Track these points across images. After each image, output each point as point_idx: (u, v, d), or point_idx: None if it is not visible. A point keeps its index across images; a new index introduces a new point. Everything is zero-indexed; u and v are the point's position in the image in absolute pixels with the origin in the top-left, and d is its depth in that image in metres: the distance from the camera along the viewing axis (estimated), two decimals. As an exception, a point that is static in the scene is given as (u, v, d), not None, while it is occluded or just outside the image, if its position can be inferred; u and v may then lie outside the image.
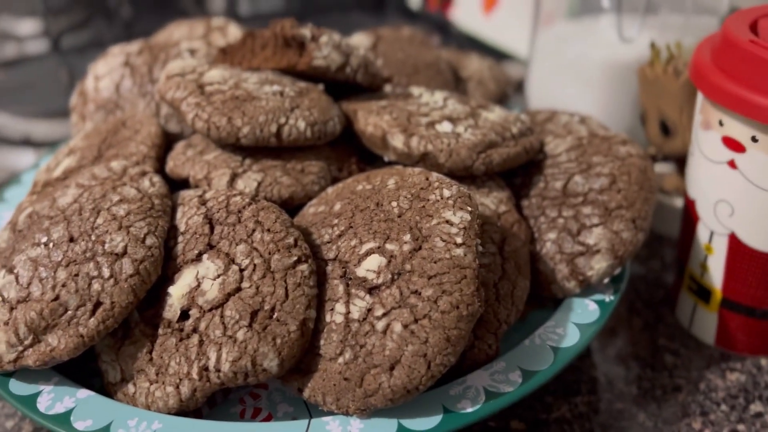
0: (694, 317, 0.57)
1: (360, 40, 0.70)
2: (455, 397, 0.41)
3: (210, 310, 0.42)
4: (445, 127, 0.51)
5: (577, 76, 0.77)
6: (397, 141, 0.50)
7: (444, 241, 0.42)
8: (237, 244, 0.43)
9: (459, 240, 0.41)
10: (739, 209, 0.49)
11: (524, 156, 0.52)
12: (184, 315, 0.42)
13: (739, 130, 0.47)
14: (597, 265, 0.48)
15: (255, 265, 0.42)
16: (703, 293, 0.55)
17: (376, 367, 0.39)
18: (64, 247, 0.43)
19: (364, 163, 0.54)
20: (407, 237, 0.42)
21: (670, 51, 0.64)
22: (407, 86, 0.64)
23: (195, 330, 0.41)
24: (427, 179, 0.46)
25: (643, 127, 0.66)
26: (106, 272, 0.42)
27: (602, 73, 0.74)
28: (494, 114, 0.55)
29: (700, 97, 0.51)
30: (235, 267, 0.42)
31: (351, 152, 0.55)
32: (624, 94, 0.74)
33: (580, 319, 0.47)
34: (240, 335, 0.40)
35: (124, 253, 0.42)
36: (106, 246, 0.42)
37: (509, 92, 0.72)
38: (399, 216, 0.44)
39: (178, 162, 0.52)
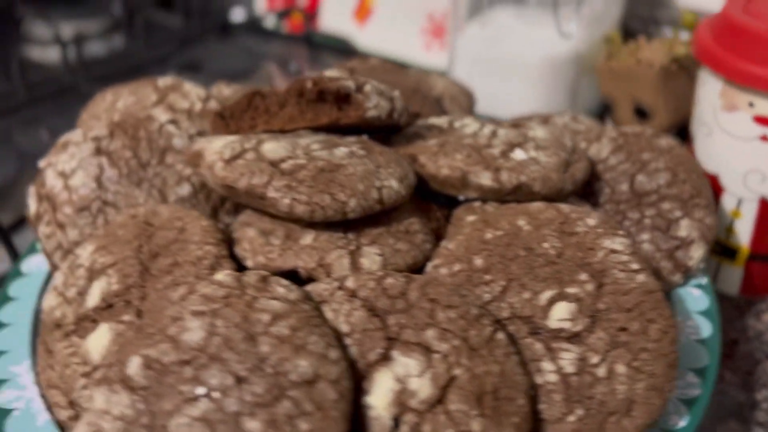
0: (719, 274, 0.63)
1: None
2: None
3: (428, 409, 0.38)
4: (519, 154, 0.51)
5: (514, 74, 0.80)
6: (484, 178, 0.49)
7: (622, 270, 0.42)
8: (423, 330, 0.39)
9: (635, 266, 0.42)
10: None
11: (590, 167, 0.53)
12: (396, 424, 0.38)
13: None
14: (695, 254, 0.51)
15: (455, 347, 0.39)
16: (729, 252, 0.62)
17: (614, 414, 0.39)
18: (236, 391, 0.36)
19: (440, 206, 0.52)
20: (583, 276, 0.42)
21: (616, 42, 0.69)
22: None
23: (421, 437, 0.37)
24: (560, 212, 0.45)
25: (609, 114, 0.72)
26: (308, 407, 0.36)
27: (542, 69, 0.78)
28: (539, 131, 0.55)
29: (714, 84, 0.56)
30: (436, 356, 0.39)
31: (421, 199, 0.52)
32: (562, 87, 0.78)
33: (697, 306, 0.50)
34: (476, 426, 0.37)
35: (317, 376, 0.37)
36: (292, 376, 0.36)
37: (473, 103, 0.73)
38: (558, 256, 0.43)
39: (271, 254, 0.45)
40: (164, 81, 0.63)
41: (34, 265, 0.56)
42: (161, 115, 0.56)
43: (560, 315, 0.41)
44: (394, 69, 0.69)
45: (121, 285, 0.46)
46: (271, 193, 0.44)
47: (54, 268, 0.53)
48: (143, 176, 0.53)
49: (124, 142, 0.54)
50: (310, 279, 0.45)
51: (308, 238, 0.46)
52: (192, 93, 0.62)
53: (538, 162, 0.50)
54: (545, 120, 0.62)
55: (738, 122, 0.55)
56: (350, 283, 0.42)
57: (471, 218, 0.48)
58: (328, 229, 0.46)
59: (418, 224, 0.48)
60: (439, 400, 0.38)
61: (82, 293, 0.47)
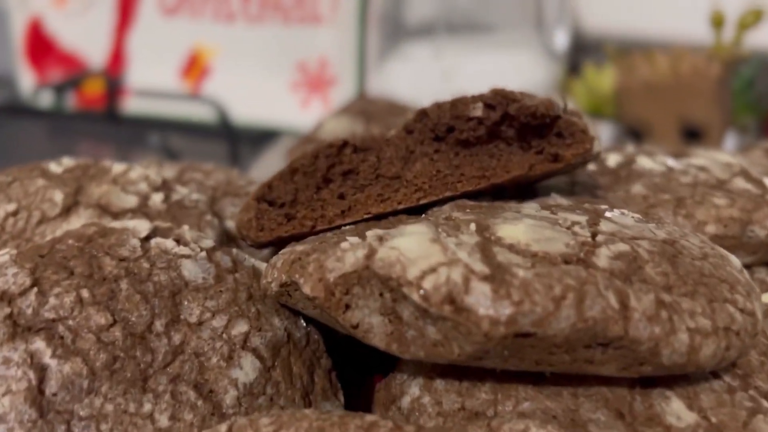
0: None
1: (344, 123, 0.42)
2: None
3: None
4: (743, 184, 0.34)
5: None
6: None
7: None
8: None
9: None
10: None
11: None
12: None
13: None
14: None
15: None
16: None
17: None
18: None
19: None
20: None
21: (628, 57, 0.57)
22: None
23: None
24: None
25: (639, 142, 0.58)
26: None
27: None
28: (701, 158, 0.39)
29: None
30: None
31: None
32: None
33: None
34: None
35: None
36: None
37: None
38: None
39: None
40: (59, 165, 0.33)
41: None
42: (137, 226, 0.27)
43: None
44: (393, 108, 0.46)
45: None
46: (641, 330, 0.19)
47: None
48: (147, 366, 0.24)
49: (79, 295, 0.24)
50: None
51: None
52: (132, 176, 0.33)
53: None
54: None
55: None
56: None
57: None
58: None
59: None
60: None
61: None
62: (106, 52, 0.87)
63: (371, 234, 0.23)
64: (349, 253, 0.22)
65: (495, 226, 0.23)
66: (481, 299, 0.19)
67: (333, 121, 0.43)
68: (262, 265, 0.29)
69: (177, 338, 0.25)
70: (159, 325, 0.25)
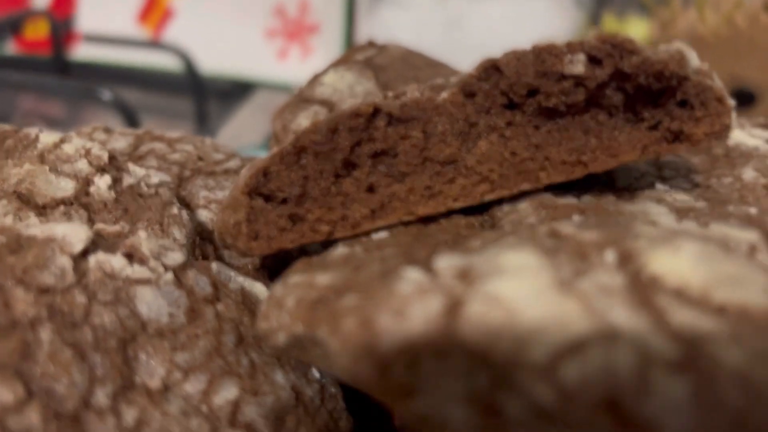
0: None
1: (348, 79, 0.33)
2: None
3: None
4: None
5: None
6: None
7: None
8: None
9: None
10: None
11: None
12: None
13: None
14: None
15: None
16: None
17: None
18: None
19: None
20: None
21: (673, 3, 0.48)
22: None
23: None
24: None
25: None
26: None
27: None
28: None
29: None
30: None
31: None
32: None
33: None
34: None
35: None
36: None
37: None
38: None
39: None
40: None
41: None
42: (68, 234, 0.18)
43: None
44: (431, 63, 0.37)
45: None
46: None
47: None
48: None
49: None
50: None
51: None
52: (67, 150, 0.23)
53: None
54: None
55: None
56: None
57: None
58: None
59: None
60: None
61: None
62: (51, -11, 0.75)
63: (444, 265, 0.14)
64: (415, 301, 0.13)
65: (643, 254, 0.14)
66: (673, 413, 0.11)
67: (333, 74, 0.34)
68: (256, 287, 0.21)
69: (131, 416, 0.16)
70: (102, 397, 0.16)
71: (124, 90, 0.69)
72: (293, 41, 0.70)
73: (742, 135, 0.30)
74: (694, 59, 0.21)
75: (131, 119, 0.54)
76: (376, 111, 0.20)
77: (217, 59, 0.69)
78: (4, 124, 0.26)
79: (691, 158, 0.29)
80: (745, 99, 0.49)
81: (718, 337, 0.12)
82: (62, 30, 0.73)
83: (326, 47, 0.68)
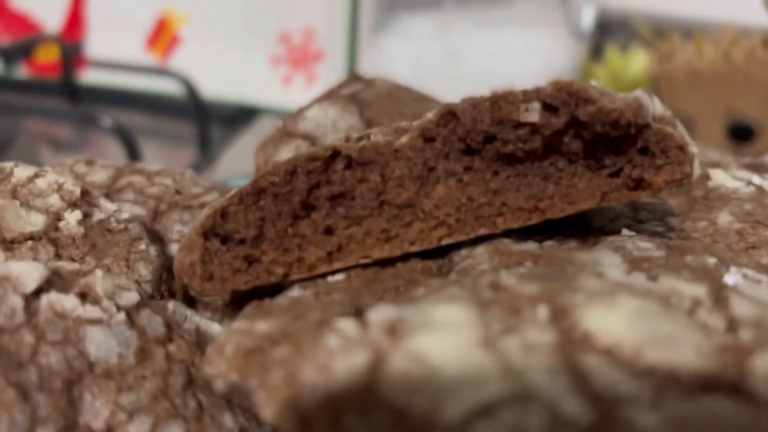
0: None
1: (332, 114, 0.33)
2: None
3: None
4: None
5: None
6: None
7: None
8: None
9: None
10: None
11: None
12: None
13: None
14: None
15: None
16: None
17: None
18: None
19: None
20: None
21: (672, 39, 0.48)
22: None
23: None
24: None
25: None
26: None
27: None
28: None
29: None
30: None
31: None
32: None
33: None
34: None
35: None
36: None
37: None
38: None
39: None
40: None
41: None
42: (22, 272, 0.18)
43: None
44: (418, 98, 0.37)
45: None
46: None
47: None
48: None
49: None
50: None
51: None
52: (39, 185, 0.24)
53: None
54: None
55: None
56: None
57: None
58: None
59: None
60: None
61: None
62: (62, 15, 0.76)
63: (377, 317, 0.14)
64: (339, 356, 0.13)
65: (577, 310, 0.14)
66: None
67: (317, 108, 0.34)
68: (212, 327, 0.21)
69: (70, 459, 0.16)
70: (42, 439, 0.16)
71: (129, 115, 0.70)
72: (298, 68, 0.70)
73: (724, 176, 0.30)
74: (656, 106, 0.21)
75: (131, 145, 0.55)
76: (335, 154, 0.20)
77: (222, 85, 0.70)
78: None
79: (669, 200, 0.29)
80: (744, 134, 0.48)
81: (638, 401, 0.12)
82: (72, 54, 0.74)
83: (330, 75, 0.68)
